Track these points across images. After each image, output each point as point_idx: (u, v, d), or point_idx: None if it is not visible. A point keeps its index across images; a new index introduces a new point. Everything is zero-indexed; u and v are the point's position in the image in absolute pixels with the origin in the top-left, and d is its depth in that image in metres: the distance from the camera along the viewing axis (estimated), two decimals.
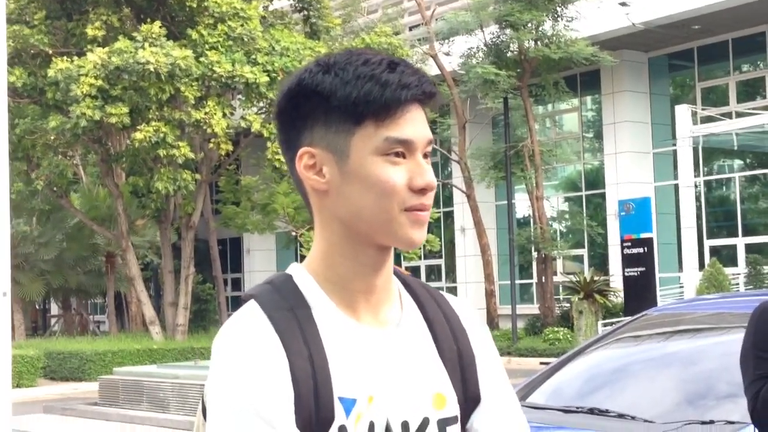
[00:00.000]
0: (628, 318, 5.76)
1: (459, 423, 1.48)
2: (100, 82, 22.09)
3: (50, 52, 24.13)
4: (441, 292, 1.61)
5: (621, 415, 4.09)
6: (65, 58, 23.07)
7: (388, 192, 1.39)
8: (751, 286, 22.80)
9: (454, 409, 1.48)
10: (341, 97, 1.40)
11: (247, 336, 1.37)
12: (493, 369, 1.56)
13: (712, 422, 3.80)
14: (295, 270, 1.48)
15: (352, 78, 1.40)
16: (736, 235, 27.26)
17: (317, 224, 1.48)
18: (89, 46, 23.29)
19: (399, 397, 1.42)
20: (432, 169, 1.45)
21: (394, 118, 1.40)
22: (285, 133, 1.48)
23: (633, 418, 4.05)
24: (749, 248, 26.48)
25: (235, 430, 1.33)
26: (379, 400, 1.40)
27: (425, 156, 1.44)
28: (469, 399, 1.51)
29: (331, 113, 1.41)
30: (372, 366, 1.42)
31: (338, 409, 1.37)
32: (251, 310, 1.42)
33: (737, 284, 23.42)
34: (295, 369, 1.36)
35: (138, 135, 22.56)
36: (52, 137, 24.20)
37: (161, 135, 22.58)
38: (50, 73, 22.68)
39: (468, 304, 1.62)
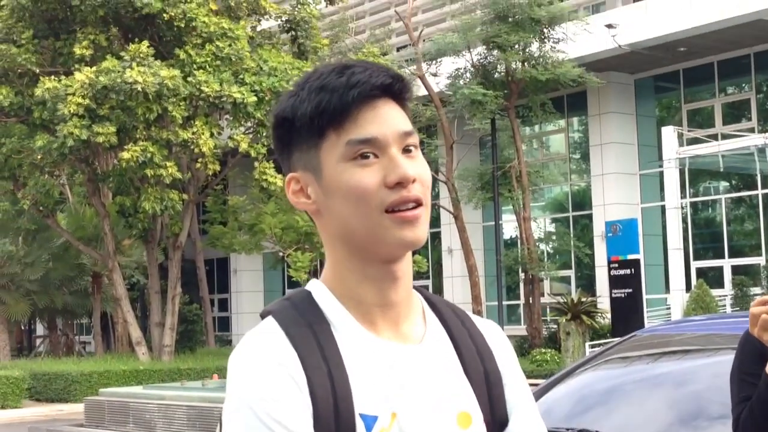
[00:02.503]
0: (617, 339, 5.75)
1: None
2: (87, 102, 22.04)
3: (37, 71, 24.09)
4: (467, 311, 1.58)
5: None
6: (52, 77, 23.03)
7: (361, 195, 1.37)
8: (737, 308, 22.85)
9: (480, 428, 1.45)
10: (301, 116, 1.41)
11: (264, 351, 1.35)
12: (520, 392, 1.53)
13: None
14: (314, 286, 1.47)
15: (306, 95, 1.41)
16: (723, 257, 27.33)
17: (324, 243, 1.48)
18: (76, 66, 23.25)
19: (423, 414, 1.39)
20: (419, 162, 1.42)
21: (352, 120, 1.39)
22: (282, 165, 1.49)
23: None
24: (735, 270, 26.55)
25: None
26: (402, 417, 1.37)
27: (408, 150, 1.41)
28: (497, 420, 1.48)
29: (299, 134, 1.43)
30: (394, 382, 1.39)
31: (359, 426, 1.34)
32: (268, 326, 1.40)
33: (724, 306, 23.46)
34: (313, 385, 1.34)
35: (125, 154, 22.51)
36: (39, 156, 24.10)
37: (148, 155, 22.53)
38: (37, 92, 22.63)
39: (495, 325, 1.60)
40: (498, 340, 1.56)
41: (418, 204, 1.39)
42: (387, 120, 1.41)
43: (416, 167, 1.40)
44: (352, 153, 1.39)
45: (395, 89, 1.43)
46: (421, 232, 1.40)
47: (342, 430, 1.33)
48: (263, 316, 1.44)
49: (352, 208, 1.39)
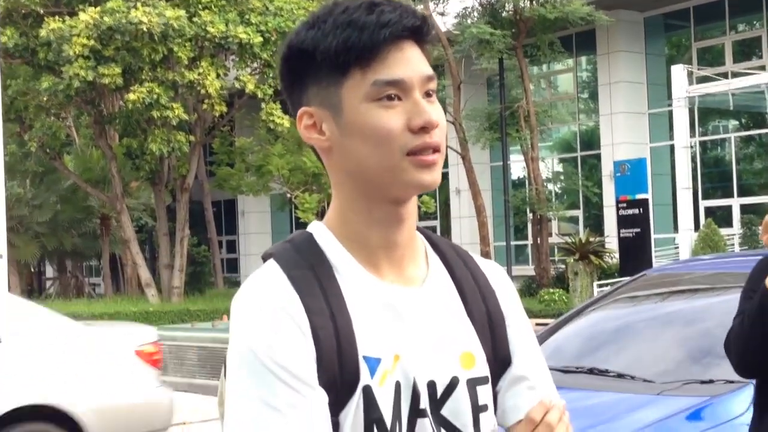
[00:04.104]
0: (626, 278, 5.76)
1: (490, 383, 1.45)
2: (92, 43, 21.91)
3: (42, 11, 23.90)
4: (470, 252, 1.57)
5: (620, 375, 4.10)
6: (57, 17, 22.87)
7: (384, 137, 1.36)
8: (746, 247, 22.85)
9: (483, 369, 1.45)
10: (323, 50, 1.37)
11: (266, 295, 1.34)
12: (522, 331, 1.52)
13: (711, 381, 3.80)
14: (315, 228, 1.45)
15: (331, 29, 1.37)
16: (732, 196, 27.27)
17: (332, 183, 1.45)
18: (81, 6, 23.08)
19: (425, 356, 1.39)
20: (438, 108, 1.40)
21: (380, 60, 1.36)
22: (289, 98, 1.46)
23: (632, 377, 4.05)
24: (744, 209, 26.49)
25: (256, 384, 1.30)
26: (405, 359, 1.37)
27: (429, 95, 1.39)
28: (499, 359, 1.48)
29: (319, 69, 1.39)
30: (397, 324, 1.38)
31: (363, 368, 1.34)
32: (270, 269, 1.39)
33: (732, 245, 23.45)
34: (316, 328, 1.32)
35: (131, 96, 22.43)
36: (45, 98, 24.04)
37: (155, 96, 22.44)
38: (42, 33, 22.49)
39: (497, 266, 1.59)
40: (500, 280, 1.56)
41: (437, 150, 1.38)
42: (412, 62, 1.39)
43: (437, 113, 1.39)
44: (377, 93, 1.36)
45: (423, 32, 1.40)
46: (437, 175, 1.40)
47: (345, 373, 1.33)
48: (265, 258, 1.43)
49: (371, 149, 1.36)
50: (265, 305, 1.33)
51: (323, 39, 1.37)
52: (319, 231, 1.44)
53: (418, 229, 1.50)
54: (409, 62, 1.38)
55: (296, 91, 1.43)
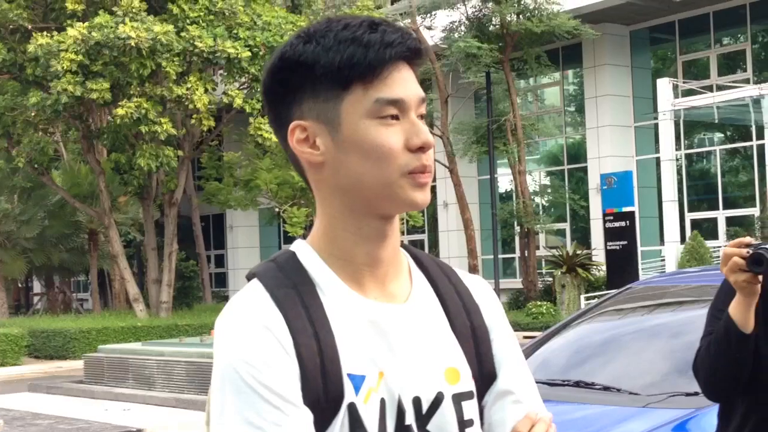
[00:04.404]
0: (613, 291, 5.80)
1: (475, 398, 1.45)
2: (80, 58, 21.90)
3: (30, 27, 23.90)
4: (453, 267, 1.58)
5: (606, 388, 4.13)
6: (45, 33, 22.85)
7: (385, 155, 1.37)
8: None
9: (468, 384, 1.45)
10: (325, 64, 1.37)
11: (250, 314, 1.35)
12: (507, 345, 1.53)
13: (697, 394, 3.83)
14: (298, 247, 1.46)
15: (333, 44, 1.37)
16: (717, 209, 27.40)
17: (317, 199, 1.45)
18: (69, 21, 23.07)
19: (410, 372, 1.39)
20: (427, 129, 1.42)
21: (382, 78, 1.37)
22: (274, 110, 1.44)
23: (618, 390, 4.09)
24: (730, 221, 26.63)
25: (239, 403, 1.30)
26: (389, 375, 1.37)
27: (421, 117, 1.41)
28: (485, 375, 1.48)
29: (318, 82, 1.38)
30: (381, 341, 1.39)
31: (347, 386, 1.34)
32: (253, 288, 1.39)
33: (718, 257, 23.53)
34: (299, 346, 1.33)
35: (119, 111, 22.42)
36: (33, 114, 23.99)
37: (143, 111, 22.44)
38: (30, 48, 22.47)
39: (482, 280, 1.60)
40: (485, 295, 1.56)
41: (430, 170, 1.41)
42: (409, 83, 1.40)
43: (429, 134, 1.41)
44: (378, 111, 1.37)
45: (420, 54, 1.43)
46: (428, 195, 1.43)
47: (330, 391, 1.33)
48: (249, 278, 1.43)
49: (370, 165, 1.37)
50: (248, 324, 1.34)
51: (324, 54, 1.37)
52: (302, 249, 1.44)
53: (402, 245, 1.51)
54: (407, 82, 1.40)
55: (286, 104, 1.42)
